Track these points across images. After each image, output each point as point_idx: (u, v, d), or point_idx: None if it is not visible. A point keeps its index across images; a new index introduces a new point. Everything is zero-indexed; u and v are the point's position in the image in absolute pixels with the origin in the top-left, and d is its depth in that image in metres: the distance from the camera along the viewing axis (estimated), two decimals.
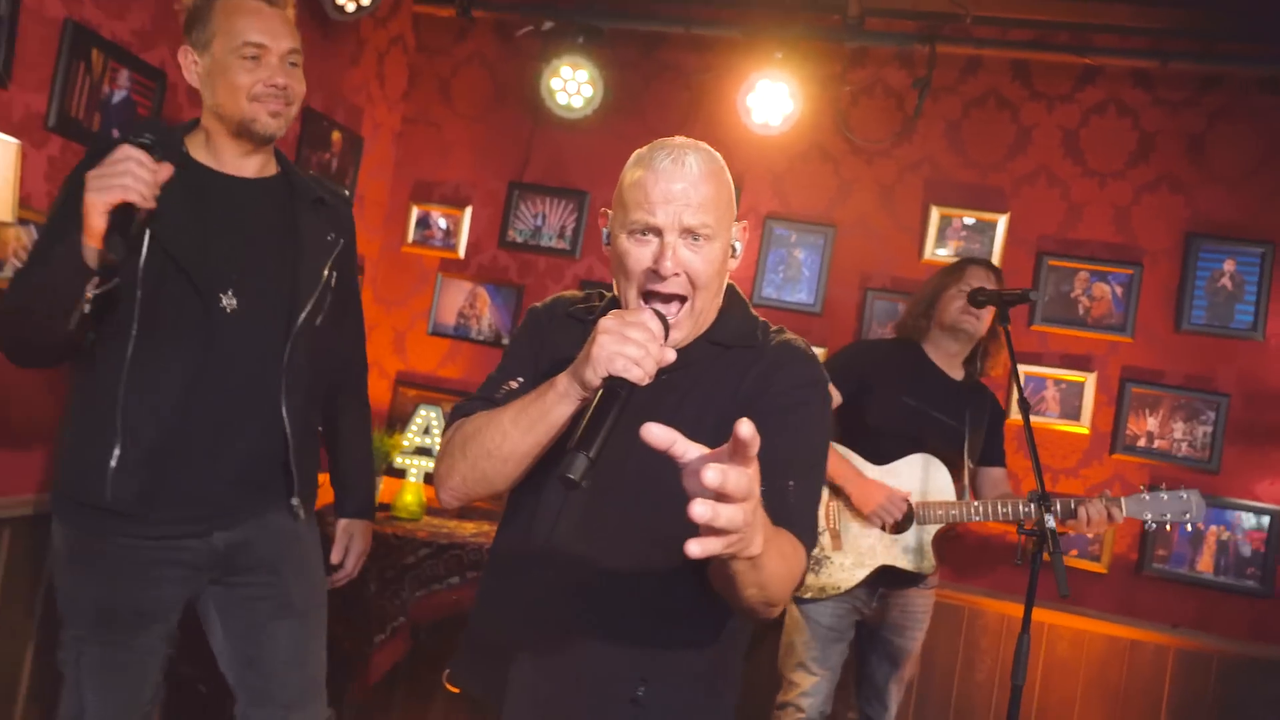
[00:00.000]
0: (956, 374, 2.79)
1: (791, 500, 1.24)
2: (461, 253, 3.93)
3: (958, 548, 3.29)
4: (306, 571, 1.98)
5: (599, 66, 3.57)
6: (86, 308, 1.59)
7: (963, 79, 3.58)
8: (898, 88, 3.61)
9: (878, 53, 3.63)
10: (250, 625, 1.91)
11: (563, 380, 1.22)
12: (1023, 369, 3.41)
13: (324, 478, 2.15)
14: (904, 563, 2.65)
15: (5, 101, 2.22)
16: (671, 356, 1.17)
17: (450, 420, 1.41)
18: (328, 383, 2.06)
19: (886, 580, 2.69)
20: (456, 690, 1.43)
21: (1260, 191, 3.31)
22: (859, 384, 2.70)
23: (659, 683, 1.31)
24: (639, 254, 1.29)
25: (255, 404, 1.83)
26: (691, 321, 1.32)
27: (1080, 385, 3.38)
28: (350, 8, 3.25)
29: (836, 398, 2.64)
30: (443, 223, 3.97)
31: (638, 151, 1.35)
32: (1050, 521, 2.19)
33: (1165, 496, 2.57)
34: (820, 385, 1.37)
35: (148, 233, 1.68)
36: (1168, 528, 2.62)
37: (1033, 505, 2.30)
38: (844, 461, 2.67)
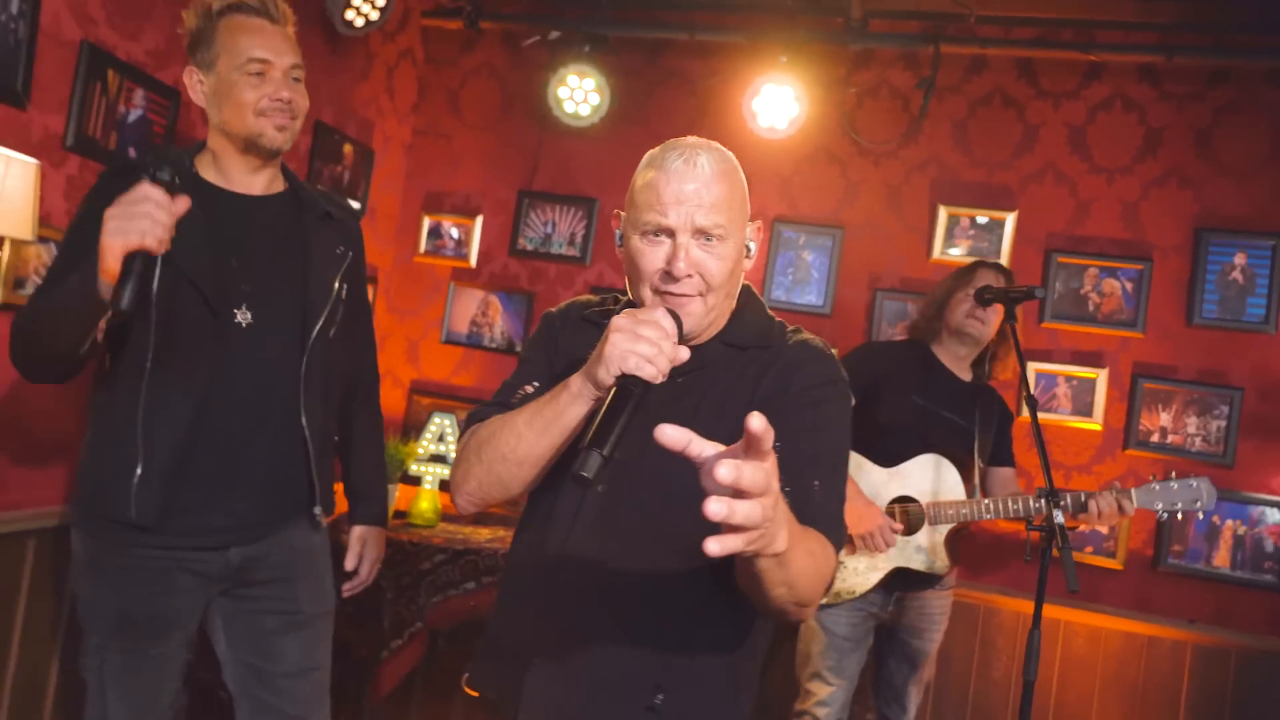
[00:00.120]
0: (965, 375, 2.80)
1: (817, 499, 1.22)
2: (473, 262, 3.98)
3: (971, 546, 3.29)
4: (317, 582, 2.00)
5: (605, 74, 3.61)
6: (100, 335, 1.63)
7: (967, 78, 3.59)
8: (903, 89, 3.63)
9: (882, 54, 3.65)
10: (257, 637, 1.94)
11: (576, 381, 1.21)
12: (1034, 366, 3.42)
13: (337, 487, 2.19)
14: (917, 564, 2.65)
15: (24, 122, 2.28)
16: (685, 355, 1.16)
17: (465, 426, 1.41)
18: (340, 394, 2.10)
19: (902, 583, 2.69)
20: (475, 694, 1.42)
21: (1270, 184, 3.30)
22: (870, 385, 2.70)
23: (676, 689, 1.29)
24: (652, 255, 1.28)
25: (273, 417, 1.86)
26: (704, 313, 1.31)
27: (1092, 382, 3.38)
28: (359, 23, 3.30)
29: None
30: (454, 232, 4.02)
31: (650, 152, 1.34)
32: (1059, 517, 2.20)
33: (1175, 485, 2.56)
34: (839, 383, 1.36)
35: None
36: (1179, 516, 2.61)
37: (1042, 501, 2.30)
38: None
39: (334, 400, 2.04)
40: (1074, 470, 3.37)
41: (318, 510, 1.95)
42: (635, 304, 1.36)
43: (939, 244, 3.54)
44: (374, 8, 3.30)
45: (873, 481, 2.69)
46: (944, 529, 2.66)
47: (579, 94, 3.64)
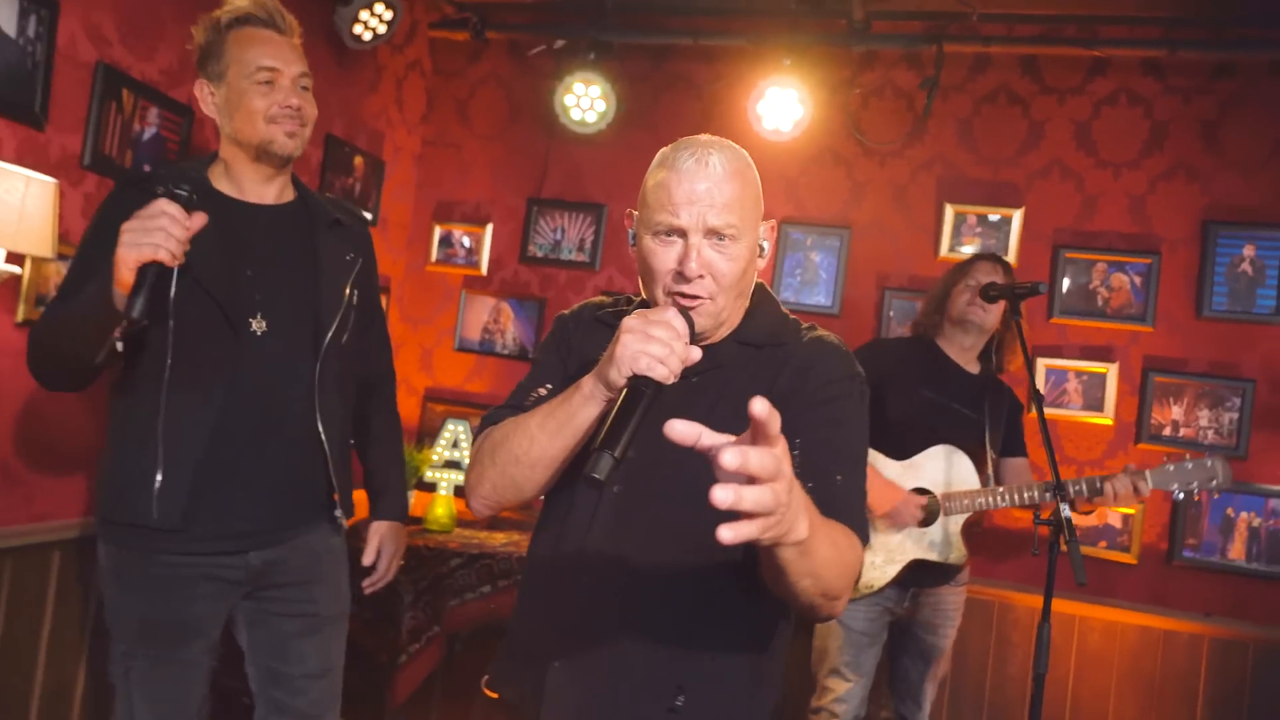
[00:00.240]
0: (973, 368, 2.81)
1: (840, 493, 1.22)
2: (484, 269, 4.02)
3: (986, 542, 3.29)
4: (335, 585, 2.04)
5: (611, 81, 3.64)
6: (118, 345, 1.68)
7: (972, 76, 3.60)
8: (907, 88, 3.64)
9: (885, 55, 3.67)
10: (277, 640, 1.98)
11: (588, 382, 1.20)
12: (1043, 362, 3.42)
13: (359, 494, 2.22)
14: (934, 555, 2.65)
15: (42, 142, 2.33)
16: (697, 355, 1.16)
17: (480, 429, 1.40)
18: (356, 396, 2.13)
19: (918, 579, 2.70)
20: (495, 695, 1.41)
21: (1277, 174, 3.29)
22: (876, 382, 2.69)
23: (697, 690, 1.28)
24: (664, 255, 1.27)
25: (290, 422, 1.90)
26: (715, 313, 1.29)
27: (1102, 376, 3.38)
28: (367, 36, 3.35)
29: None
30: (465, 241, 4.06)
31: (662, 150, 1.32)
32: (1066, 511, 2.20)
33: (1190, 465, 2.54)
34: (856, 378, 1.35)
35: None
36: (1195, 497, 2.59)
37: (1050, 494, 2.31)
38: None
39: (350, 404, 2.08)
40: (1086, 465, 3.37)
41: (338, 513, 1.99)
42: (648, 304, 1.35)
43: (946, 242, 3.55)
44: (381, 21, 3.35)
45: (887, 475, 2.69)
46: (959, 519, 2.66)
47: (585, 101, 3.68)
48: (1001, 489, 2.63)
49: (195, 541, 1.82)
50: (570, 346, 1.44)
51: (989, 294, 2.62)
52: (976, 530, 2.91)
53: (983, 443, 2.74)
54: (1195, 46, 3.28)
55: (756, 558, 1.13)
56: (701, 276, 1.25)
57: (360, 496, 2.23)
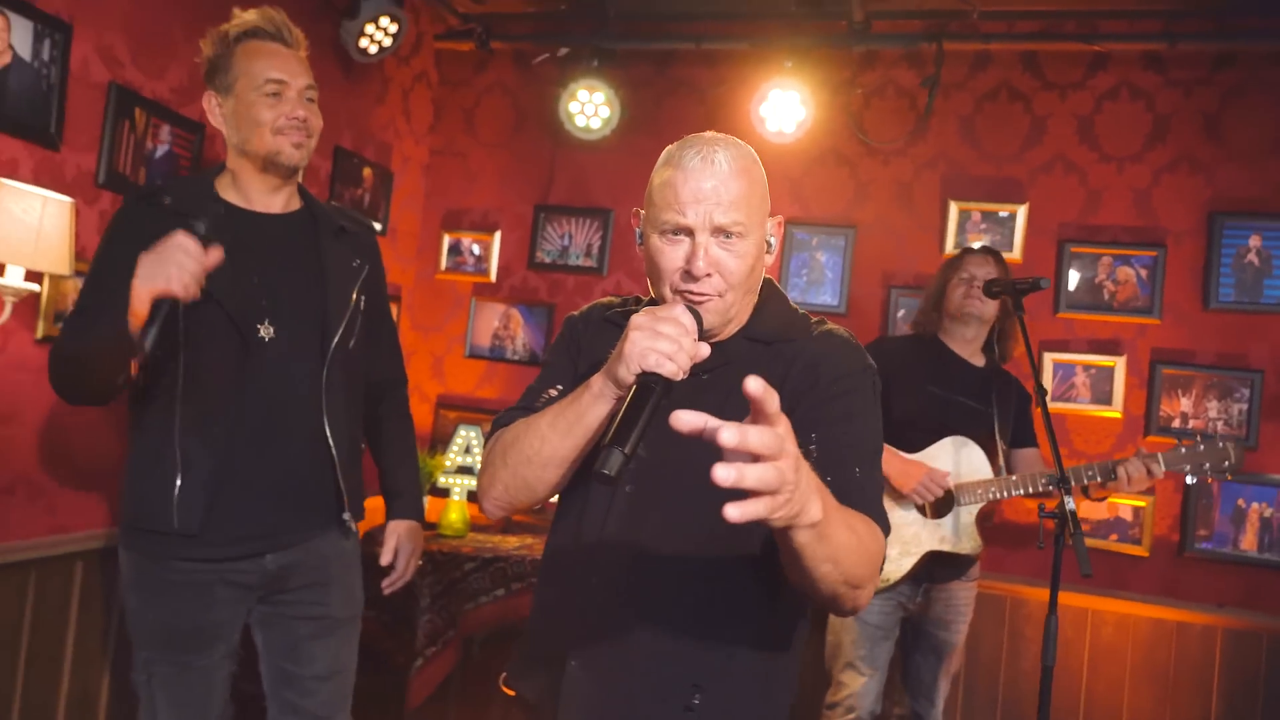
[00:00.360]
0: (977, 360, 2.82)
1: (859, 486, 1.21)
2: (493, 276, 4.06)
3: (997, 536, 3.31)
4: (348, 587, 2.07)
5: (614, 87, 3.68)
6: (134, 369, 1.74)
7: (973, 74, 3.62)
8: (909, 87, 3.66)
9: (886, 54, 3.69)
10: (289, 642, 2.01)
11: (597, 380, 1.20)
12: (1051, 356, 3.43)
13: (375, 501, 2.26)
14: (949, 546, 2.66)
15: (58, 162, 2.38)
16: (706, 351, 1.15)
17: (491, 432, 1.40)
18: (367, 400, 2.17)
19: (932, 573, 2.71)
20: (512, 693, 1.41)
21: None
22: (882, 381, 2.72)
23: (714, 689, 1.28)
24: (671, 254, 1.27)
25: (299, 427, 1.94)
26: (724, 310, 1.29)
27: (1110, 370, 3.38)
28: (373, 49, 3.40)
29: None
30: (474, 248, 4.10)
31: (668, 148, 1.31)
32: (1070, 503, 2.22)
33: (1202, 447, 2.55)
34: (868, 371, 1.34)
35: None
36: (1209, 480, 2.59)
37: (1056, 485, 2.32)
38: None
39: (358, 408, 2.12)
40: (1095, 459, 3.36)
41: (346, 516, 2.02)
42: (657, 304, 1.34)
43: (951, 239, 3.56)
44: (387, 34, 3.40)
45: None
46: (973, 509, 2.68)
47: (589, 108, 3.72)
48: (1015, 477, 2.64)
49: (212, 547, 1.86)
50: (580, 347, 1.44)
51: (991, 290, 2.64)
52: (987, 524, 2.92)
53: (993, 434, 2.75)
54: (1195, 38, 3.29)
55: (774, 554, 1.12)
56: (709, 275, 1.25)
57: (377, 503, 2.26)
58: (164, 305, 1.60)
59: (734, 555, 1.26)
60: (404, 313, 4.08)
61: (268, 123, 1.88)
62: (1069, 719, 3.32)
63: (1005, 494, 2.64)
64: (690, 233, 1.25)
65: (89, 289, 1.87)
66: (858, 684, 2.72)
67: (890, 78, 3.70)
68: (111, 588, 2.57)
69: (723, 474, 0.81)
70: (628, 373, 1.13)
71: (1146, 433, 3.34)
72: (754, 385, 0.84)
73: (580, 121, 3.73)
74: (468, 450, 3.50)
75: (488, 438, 1.41)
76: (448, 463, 3.47)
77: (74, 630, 2.51)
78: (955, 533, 2.67)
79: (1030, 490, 2.62)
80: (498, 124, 4.13)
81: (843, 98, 3.67)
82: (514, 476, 1.31)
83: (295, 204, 2.04)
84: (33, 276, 2.19)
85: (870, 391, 1.33)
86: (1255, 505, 3.22)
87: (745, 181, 1.26)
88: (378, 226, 3.81)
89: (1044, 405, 2.39)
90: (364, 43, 3.36)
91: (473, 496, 3.39)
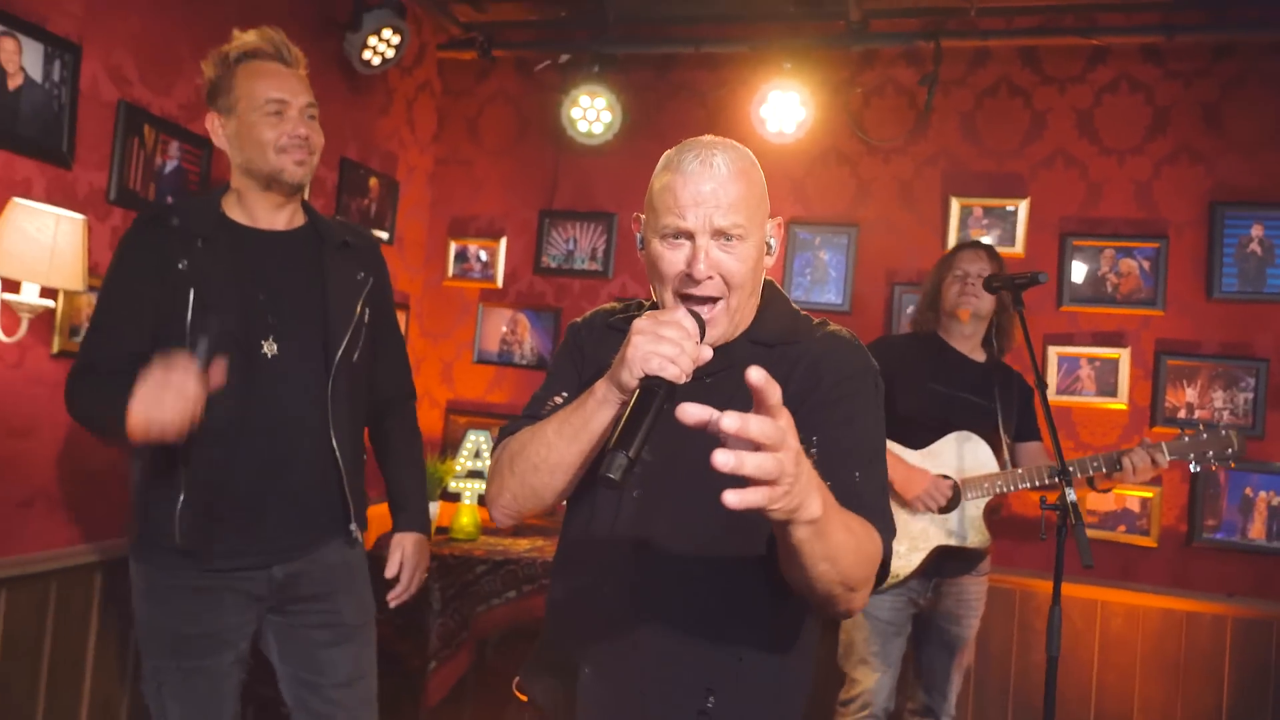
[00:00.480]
0: (978, 356, 2.84)
1: (858, 490, 1.21)
2: (500, 282, 4.11)
3: (1005, 530, 3.32)
4: (358, 595, 2.09)
5: (616, 92, 3.72)
6: None
7: (972, 70, 3.63)
8: (908, 85, 3.68)
9: (885, 53, 3.71)
10: (307, 651, 2.03)
11: (601, 386, 1.21)
12: (1055, 349, 3.45)
13: (376, 510, 2.29)
14: (957, 540, 2.68)
15: (70, 181, 2.43)
16: (708, 354, 1.16)
17: (497, 441, 1.41)
18: (373, 412, 2.20)
19: (941, 568, 2.72)
20: (525, 699, 1.42)
21: None
22: (886, 379, 2.72)
23: (727, 692, 1.29)
24: (672, 258, 1.27)
25: (305, 441, 1.96)
26: (728, 319, 1.30)
27: (1114, 362, 3.39)
28: (376, 61, 3.45)
29: None
30: (480, 255, 4.15)
31: (667, 153, 1.32)
32: (1071, 495, 2.23)
33: (1205, 435, 2.58)
34: (870, 373, 1.35)
35: (192, 291, 1.87)
36: (1213, 468, 2.61)
37: (1073, 467, 2.32)
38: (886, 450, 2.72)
39: (362, 420, 2.14)
40: (1102, 451, 3.36)
41: (353, 527, 2.05)
42: (659, 307, 1.34)
43: (953, 236, 3.58)
44: (390, 46, 3.44)
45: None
46: (980, 503, 2.69)
47: (591, 113, 3.76)
48: (1020, 470, 2.66)
49: (218, 559, 1.89)
50: (584, 354, 1.45)
51: (991, 285, 2.65)
52: (995, 517, 2.94)
53: (997, 429, 2.77)
54: (1193, 30, 3.30)
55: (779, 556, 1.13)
56: (711, 277, 1.26)
57: (381, 509, 2.29)
58: (154, 431, 1.69)
59: (743, 556, 1.27)
60: (413, 320, 4.12)
61: (270, 142, 1.92)
62: (1080, 710, 3.33)
63: (1011, 487, 2.66)
64: (691, 236, 1.26)
65: (101, 309, 1.92)
66: (871, 681, 2.73)
67: (889, 76, 3.72)
68: (130, 596, 2.61)
69: (722, 459, 0.82)
70: (631, 377, 1.14)
71: (1152, 424, 3.35)
72: (756, 375, 0.85)
73: (583, 127, 3.77)
74: (478, 454, 3.54)
75: (495, 445, 1.42)
76: (458, 467, 3.51)
77: (94, 639, 2.55)
78: (963, 527, 2.69)
79: (1036, 483, 2.63)
80: (501, 131, 4.17)
81: (842, 97, 3.70)
82: (522, 484, 1.32)
83: (299, 220, 2.06)
84: (48, 293, 2.25)
85: (873, 392, 1.34)
86: (1263, 494, 3.22)
87: (744, 184, 1.27)
88: (385, 236, 3.86)
89: (1045, 401, 2.41)
90: (367, 55, 3.41)
91: (483, 500, 3.42)
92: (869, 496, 1.23)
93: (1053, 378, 3.43)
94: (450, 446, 3.96)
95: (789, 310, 1.41)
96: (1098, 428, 3.41)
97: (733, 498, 0.85)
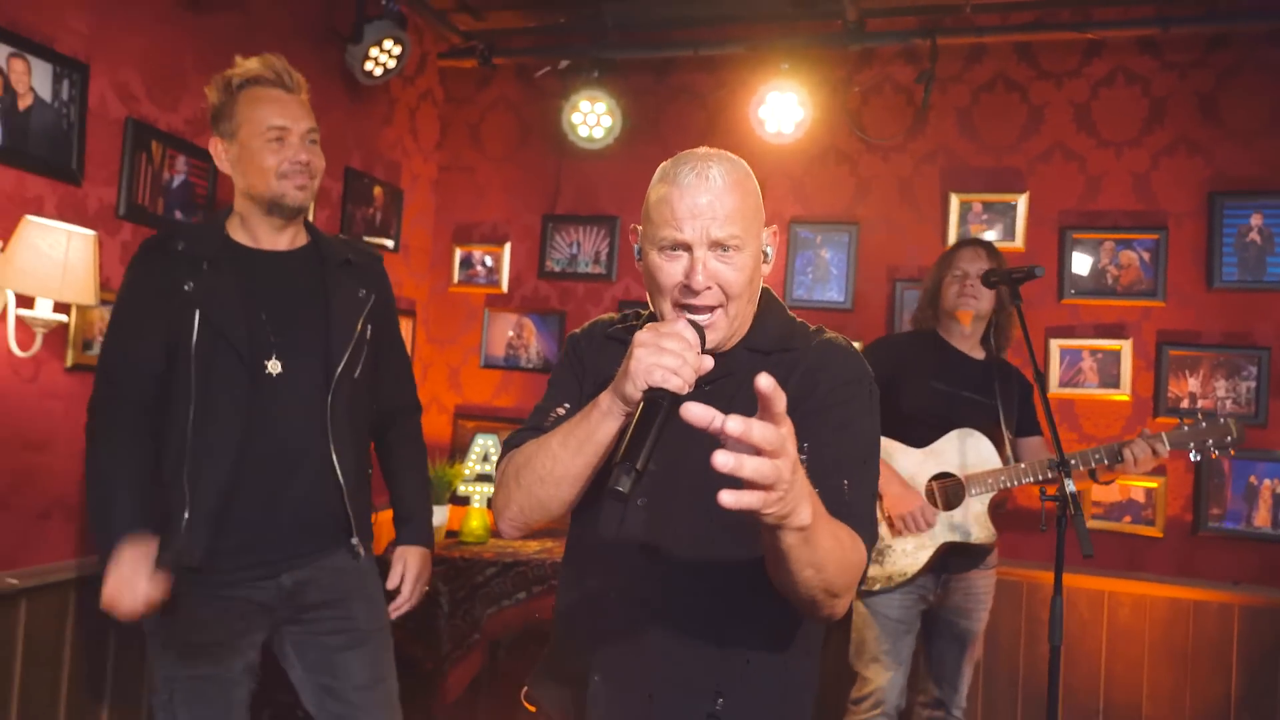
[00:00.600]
0: (978, 354, 2.86)
1: (846, 497, 1.23)
2: (505, 287, 4.15)
3: (1011, 523, 3.33)
4: (370, 599, 2.12)
5: (616, 97, 3.75)
6: None
7: (968, 67, 3.66)
8: (905, 83, 3.71)
9: (882, 52, 3.73)
10: (324, 657, 2.06)
11: (605, 398, 1.21)
12: (1057, 342, 3.47)
13: (388, 516, 2.32)
14: (963, 536, 2.70)
15: (80, 197, 2.48)
16: (709, 364, 1.18)
17: (502, 453, 1.43)
18: (378, 426, 2.23)
19: (949, 564, 2.74)
20: (533, 709, 1.44)
21: (1279, 143, 3.31)
22: (887, 378, 2.75)
23: (735, 694, 1.30)
24: (670, 269, 1.29)
25: (307, 458, 1.99)
26: (728, 324, 1.32)
27: (1116, 353, 3.41)
28: (378, 71, 3.49)
29: None
30: (485, 260, 4.19)
31: (662, 165, 1.34)
32: (1070, 486, 2.26)
33: (1204, 424, 2.60)
34: (864, 380, 1.35)
35: (198, 312, 1.91)
36: (1213, 455, 2.63)
37: (1075, 459, 2.34)
38: (883, 464, 2.72)
39: (365, 436, 2.16)
40: (1105, 442, 3.37)
41: (354, 541, 2.06)
42: (657, 318, 1.36)
43: (953, 232, 3.60)
44: (391, 56, 3.48)
45: (909, 463, 2.74)
46: (985, 499, 2.71)
47: (592, 118, 3.79)
48: (1023, 465, 2.68)
49: (224, 572, 1.92)
50: (584, 365, 1.46)
51: (989, 280, 2.67)
52: (1001, 511, 2.95)
53: (998, 425, 2.79)
54: (1189, 21, 3.31)
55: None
56: (709, 287, 1.28)
57: (385, 515, 2.32)
58: None
59: (748, 559, 1.27)
60: (419, 326, 4.17)
61: (271, 168, 1.95)
62: (1089, 700, 3.35)
63: (1014, 482, 2.68)
64: (688, 248, 1.28)
65: (111, 338, 1.97)
66: (883, 679, 2.75)
67: (887, 74, 3.75)
68: None
69: (722, 460, 0.85)
70: (635, 389, 1.15)
71: (1155, 414, 3.36)
72: (764, 383, 0.87)
73: (583, 132, 3.80)
74: (486, 458, 3.58)
75: (500, 456, 1.43)
76: (467, 471, 3.55)
77: (114, 647, 2.60)
78: (969, 523, 2.71)
79: (1038, 477, 2.65)
80: (503, 138, 4.21)
81: (840, 96, 3.73)
82: (528, 496, 1.33)
83: (302, 240, 2.09)
84: (61, 308, 2.29)
85: (866, 400, 1.35)
86: (1268, 481, 3.24)
87: (739, 195, 1.29)
88: (390, 244, 3.90)
89: (1044, 395, 2.43)
90: (369, 65, 3.45)
91: (492, 503, 3.46)
92: (857, 505, 1.25)
93: (1055, 370, 3.45)
94: (459, 451, 4.01)
95: (785, 318, 1.43)
96: (1101, 419, 3.42)
97: (728, 497, 0.87)
